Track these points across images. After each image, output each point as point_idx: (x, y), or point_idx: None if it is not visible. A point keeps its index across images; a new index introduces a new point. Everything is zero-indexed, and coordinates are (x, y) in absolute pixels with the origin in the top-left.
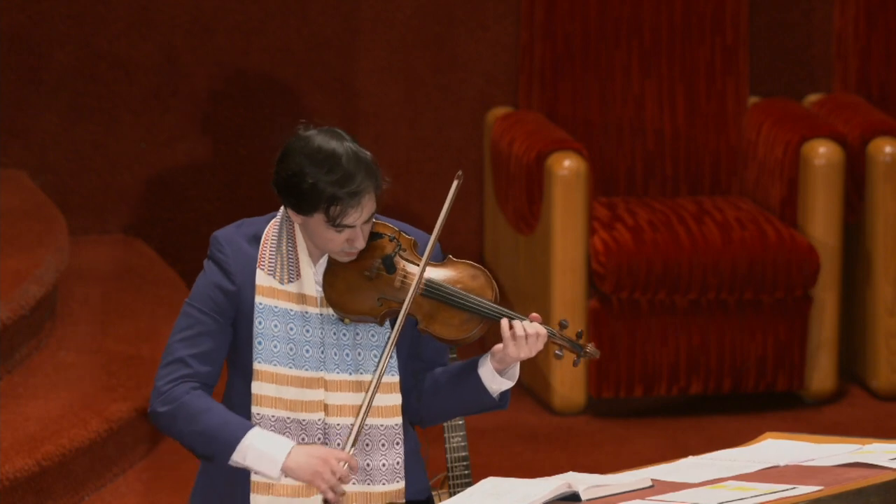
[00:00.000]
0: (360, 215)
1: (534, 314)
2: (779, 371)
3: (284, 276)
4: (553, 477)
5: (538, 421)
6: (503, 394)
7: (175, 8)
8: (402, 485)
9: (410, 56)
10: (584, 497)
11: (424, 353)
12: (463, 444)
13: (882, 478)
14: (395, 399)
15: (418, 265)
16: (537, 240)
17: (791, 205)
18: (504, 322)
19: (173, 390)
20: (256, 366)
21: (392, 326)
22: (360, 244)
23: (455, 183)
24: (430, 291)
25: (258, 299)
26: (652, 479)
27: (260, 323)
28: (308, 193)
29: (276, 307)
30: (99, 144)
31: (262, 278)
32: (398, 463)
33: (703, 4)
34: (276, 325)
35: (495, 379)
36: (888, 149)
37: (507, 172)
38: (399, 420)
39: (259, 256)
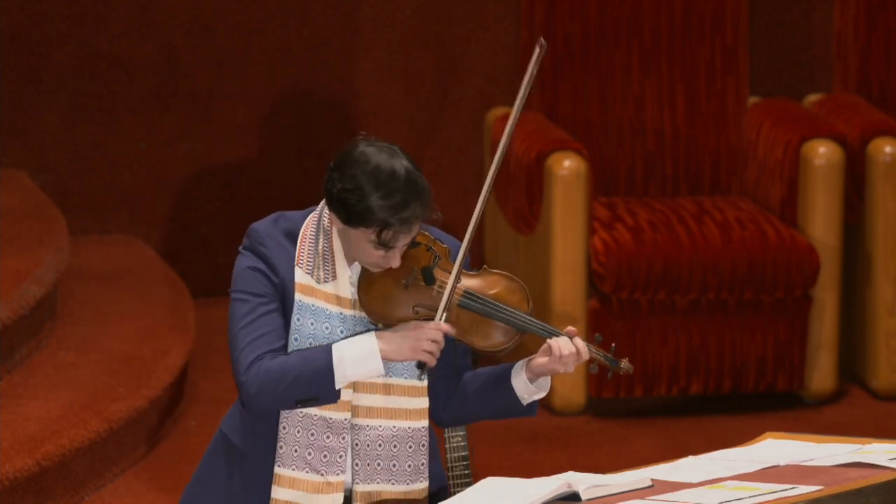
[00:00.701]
0: (408, 240)
1: (570, 328)
2: (779, 371)
3: (321, 275)
4: (553, 477)
5: (538, 421)
6: (533, 402)
7: (175, 8)
8: (425, 484)
9: (410, 56)
10: (584, 497)
11: (451, 358)
12: (463, 444)
13: (882, 478)
14: (423, 402)
15: None
16: (537, 240)
17: (791, 205)
18: (553, 343)
19: (249, 374)
20: None
21: None
22: (396, 264)
23: (537, 51)
24: (468, 303)
25: (297, 297)
26: (652, 479)
27: (298, 320)
28: (362, 213)
29: (313, 305)
30: (99, 144)
31: (300, 276)
32: (423, 464)
33: (703, 4)
34: (312, 324)
35: (528, 389)
36: (888, 149)
37: (507, 172)
38: (426, 423)
39: (297, 254)
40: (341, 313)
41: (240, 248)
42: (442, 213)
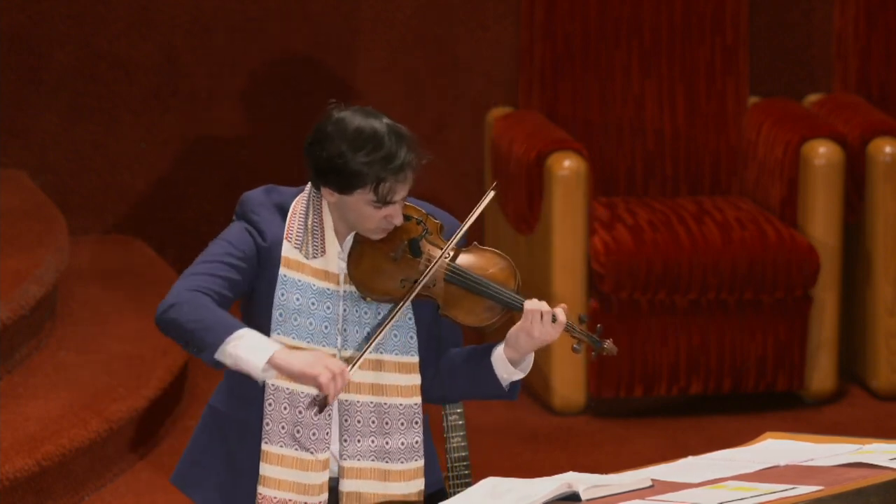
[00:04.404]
0: (406, 191)
1: (563, 304)
2: (779, 371)
3: (310, 250)
4: (553, 477)
5: (538, 421)
6: (513, 384)
7: (175, 8)
8: (420, 463)
9: (410, 56)
10: (584, 497)
11: (441, 333)
12: (463, 444)
13: (882, 478)
14: (415, 379)
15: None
16: (537, 240)
17: (791, 205)
18: (528, 302)
19: (184, 293)
20: (275, 337)
21: (412, 308)
22: (399, 220)
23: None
24: (454, 277)
25: (282, 271)
26: (652, 479)
27: (282, 294)
28: (354, 174)
29: (299, 280)
30: (99, 144)
31: (288, 250)
32: (417, 442)
33: (703, 4)
34: (297, 299)
35: (507, 368)
36: (888, 149)
37: (507, 172)
38: (418, 400)
39: (286, 228)
40: (328, 289)
41: (233, 217)
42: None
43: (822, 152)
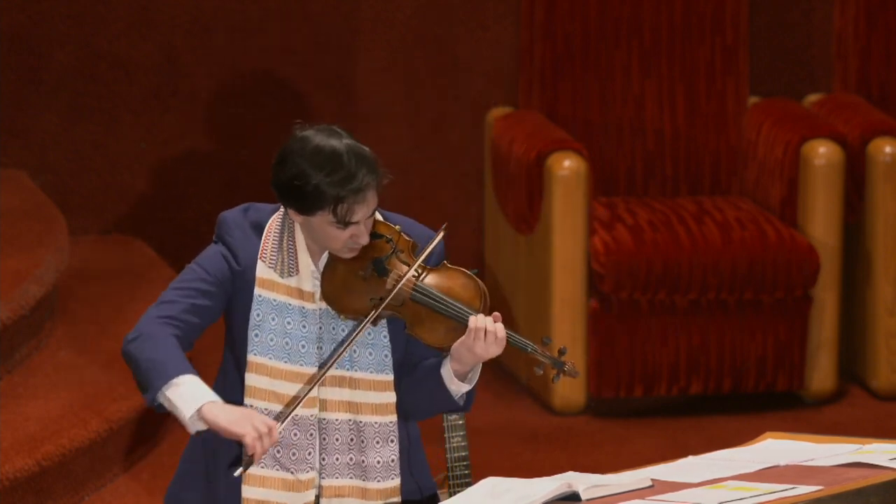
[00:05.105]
0: (367, 211)
1: (495, 313)
2: (779, 371)
3: (284, 270)
4: (553, 477)
5: (538, 421)
6: (467, 396)
7: (175, 8)
8: (397, 482)
9: (410, 56)
10: (584, 497)
11: (415, 353)
12: (463, 444)
13: (882, 478)
14: (389, 397)
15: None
16: (537, 240)
17: (791, 205)
18: (471, 319)
19: (150, 324)
20: (251, 358)
21: (387, 327)
22: (365, 240)
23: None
24: (419, 297)
25: (257, 291)
26: (652, 479)
27: (258, 315)
28: (312, 195)
29: (274, 300)
30: (99, 144)
31: (262, 270)
32: (393, 460)
33: (703, 4)
34: (273, 319)
35: (453, 381)
36: (888, 149)
37: (507, 172)
38: (393, 418)
39: (261, 247)
40: (303, 307)
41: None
42: (441, 212)
43: (822, 152)
